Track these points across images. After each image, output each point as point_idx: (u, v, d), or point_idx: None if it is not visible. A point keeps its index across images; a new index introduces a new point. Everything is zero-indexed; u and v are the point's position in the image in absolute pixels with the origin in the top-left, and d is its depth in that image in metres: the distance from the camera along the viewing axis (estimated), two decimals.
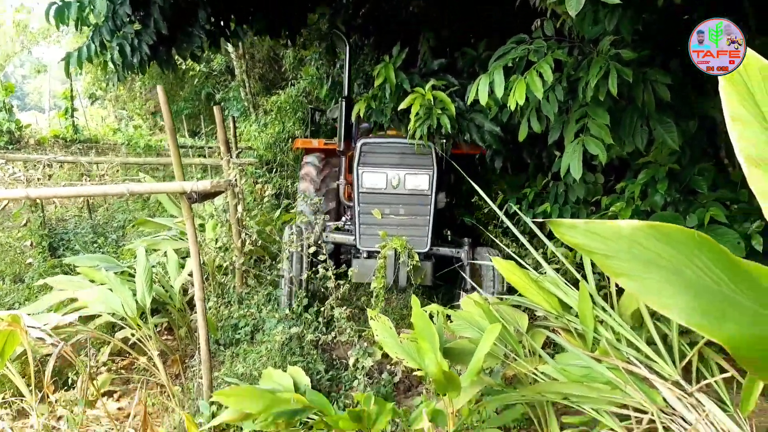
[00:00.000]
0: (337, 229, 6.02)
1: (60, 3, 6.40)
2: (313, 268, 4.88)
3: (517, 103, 3.76)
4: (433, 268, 5.43)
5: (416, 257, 5.11)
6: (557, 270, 4.09)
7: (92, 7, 6.26)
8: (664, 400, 3.09)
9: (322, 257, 4.74)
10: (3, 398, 3.48)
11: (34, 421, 3.18)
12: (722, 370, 3.22)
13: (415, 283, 5.20)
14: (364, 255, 5.57)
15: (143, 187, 3.58)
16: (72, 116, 15.73)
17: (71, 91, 16.08)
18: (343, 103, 5.99)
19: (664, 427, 3.00)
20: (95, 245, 7.52)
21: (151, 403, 3.95)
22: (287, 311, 4.82)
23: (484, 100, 3.97)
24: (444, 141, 5.40)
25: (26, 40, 24.75)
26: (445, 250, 5.51)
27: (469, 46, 5.92)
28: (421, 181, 5.40)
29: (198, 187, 3.20)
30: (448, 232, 5.82)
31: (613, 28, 3.54)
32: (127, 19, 6.43)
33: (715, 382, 3.12)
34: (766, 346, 1.38)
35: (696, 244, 1.39)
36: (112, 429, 3.54)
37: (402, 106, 5.15)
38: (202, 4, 6.31)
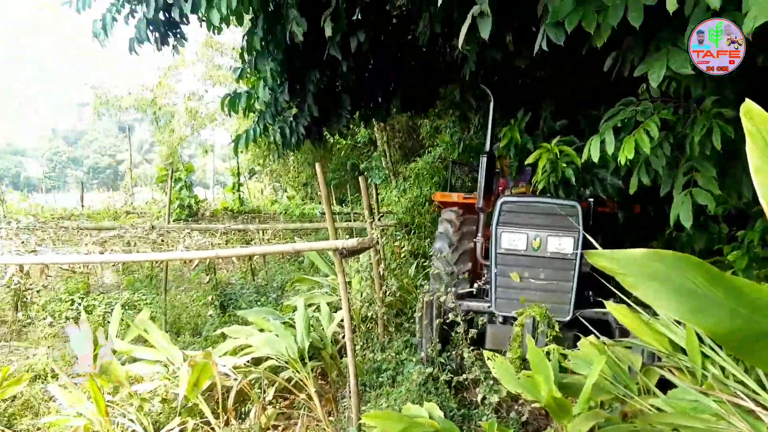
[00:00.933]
0: (471, 295, 5.82)
1: (232, 95, 7.73)
2: (447, 336, 4.93)
3: (627, 159, 4.15)
4: (575, 338, 4.97)
5: (557, 326, 4.80)
6: None
7: (257, 96, 7.47)
8: None
9: (458, 329, 4.81)
10: (195, 424, 4.29)
11: None
12: None
13: None
14: (500, 320, 5.34)
15: (305, 246, 4.35)
16: (239, 190, 17.77)
17: (238, 168, 18.18)
18: (485, 158, 5.86)
19: None
20: (258, 303, 8.54)
21: None
22: (422, 354, 5.15)
23: (596, 157, 4.39)
24: (592, 200, 5.43)
25: (196, 124, 28.04)
26: (589, 313, 5.06)
27: (589, 109, 6.34)
28: (565, 243, 5.13)
29: (347, 245, 3.91)
30: (591, 293, 5.43)
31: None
32: (286, 105, 7.57)
33: None
34: (740, 335, 1.84)
35: (687, 263, 1.86)
36: None
37: (529, 160, 5.44)
38: (346, 90, 7.27)
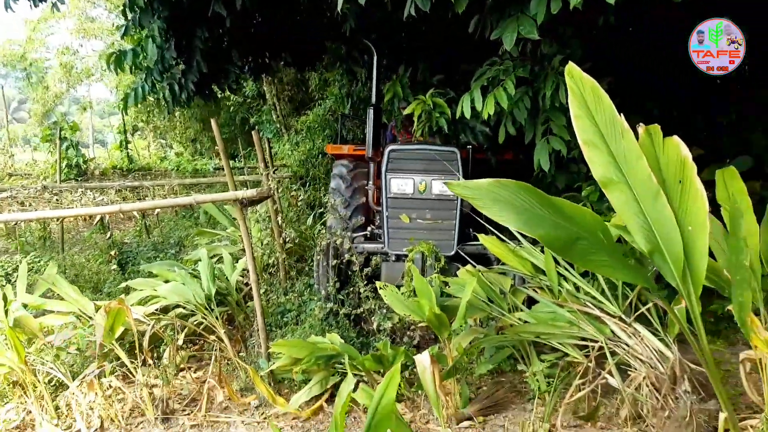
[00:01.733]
0: (366, 238, 6.22)
1: (117, 52, 7.65)
2: (345, 277, 5.38)
3: (490, 113, 4.76)
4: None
5: (443, 260, 5.33)
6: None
7: (144, 54, 7.46)
8: (612, 331, 4.02)
9: (354, 267, 5.26)
10: (113, 367, 4.56)
11: (140, 378, 4.27)
12: (657, 307, 4.12)
13: None
14: (393, 258, 5.79)
15: (206, 197, 4.65)
16: (126, 148, 17.27)
17: (124, 125, 17.62)
18: (372, 110, 6.19)
19: (611, 351, 3.94)
20: (158, 259, 8.62)
21: (222, 371, 5.02)
22: (322, 292, 5.57)
23: (468, 113, 4.98)
24: (470, 147, 5.94)
25: (71, 80, 26.53)
26: (471, 248, 5.61)
27: (466, 63, 6.91)
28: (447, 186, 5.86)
29: (247, 195, 4.27)
30: (471, 231, 5.85)
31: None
32: (173, 62, 7.61)
33: (650, 316, 4.04)
34: (561, 240, 2.50)
35: (524, 188, 2.48)
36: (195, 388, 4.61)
37: (407, 111, 6.00)
38: (234, 46, 7.41)
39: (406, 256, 5.41)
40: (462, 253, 5.57)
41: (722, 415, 2.88)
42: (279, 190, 6.79)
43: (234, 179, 5.34)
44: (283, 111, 17.57)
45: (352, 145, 7.43)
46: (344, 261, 5.49)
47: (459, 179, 5.51)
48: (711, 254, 3.51)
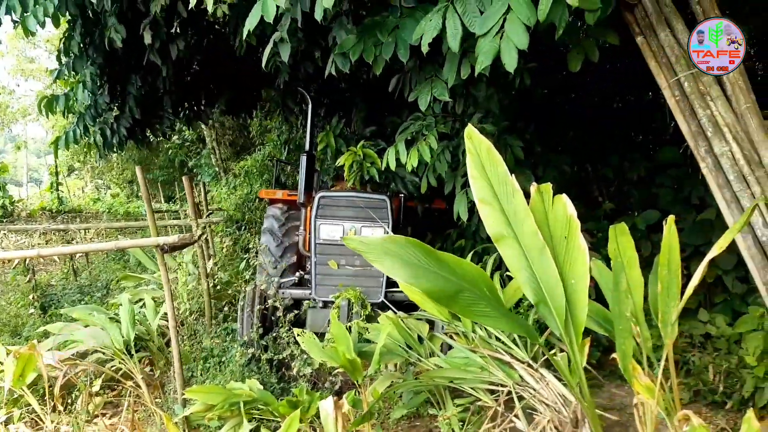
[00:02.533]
0: (295, 284, 6.18)
1: (49, 96, 7.62)
2: (270, 323, 5.38)
3: (413, 166, 4.97)
4: None
5: (368, 307, 5.36)
6: None
7: (75, 98, 7.46)
8: (520, 376, 4.19)
9: (278, 313, 5.27)
10: (21, 414, 4.44)
11: (49, 425, 4.18)
12: (562, 352, 4.32)
13: None
14: (320, 305, 5.76)
15: (128, 243, 4.65)
16: (57, 189, 16.90)
17: (56, 167, 17.28)
18: (305, 157, 6.19)
19: (518, 396, 4.10)
20: (83, 302, 8.45)
21: (137, 417, 4.94)
22: (243, 338, 5.49)
23: (393, 164, 5.19)
24: (402, 195, 6.09)
25: (6, 119, 25.91)
26: (399, 296, 5.58)
27: (396, 115, 7.18)
28: (377, 233, 5.62)
29: (168, 241, 4.32)
30: None
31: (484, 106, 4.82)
32: (106, 107, 7.62)
33: (555, 360, 4.23)
34: (442, 292, 2.64)
35: (412, 243, 2.64)
36: None
37: (339, 162, 6.16)
38: (168, 93, 7.49)
39: (333, 302, 5.43)
40: (386, 302, 5.61)
41: None
42: (210, 236, 6.78)
43: (163, 223, 5.37)
44: (224, 155, 17.59)
45: (286, 190, 7.42)
46: (268, 307, 5.52)
47: (389, 227, 5.63)
48: (606, 304, 3.76)
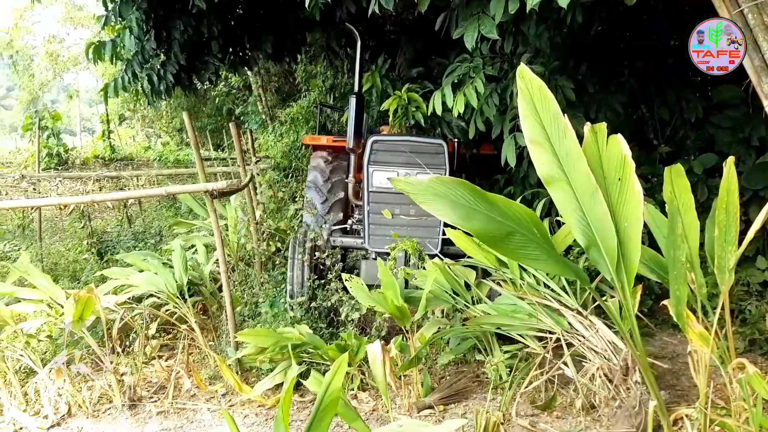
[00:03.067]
0: (345, 232, 6.03)
1: (97, 44, 7.67)
2: (319, 272, 5.23)
3: (466, 107, 4.84)
4: None
5: (426, 259, 5.06)
6: None
7: (123, 45, 7.49)
8: (569, 323, 4.15)
9: (327, 262, 5.14)
10: (81, 355, 4.63)
11: (108, 365, 4.34)
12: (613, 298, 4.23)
13: None
14: (373, 256, 5.54)
15: (177, 189, 4.73)
16: (109, 138, 17.25)
17: (107, 115, 17.58)
18: (354, 98, 5.78)
19: (567, 343, 4.06)
20: (137, 249, 8.65)
21: (192, 359, 5.10)
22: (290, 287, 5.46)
23: (439, 109, 5.07)
24: (457, 140, 5.80)
25: (58, 68, 26.41)
26: (455, 249, 5.20)
27: (443, 56, 6.98)
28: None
29: (217, 186, 4.36)
30: None
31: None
32: (153, 53, 7.63)
33: (606, 306, 4.16)
34: (492, 234, 2.61)
35: (460, 185, 2.56)
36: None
37: (383, 107, 5.97)
38: (214, 37, 7.45)
39: (388, 254, 5.20)
40: (440, 256, 5.31)
41: (652, 404, 3.01)
42: (260, 182, 6.81)
43: (212, 170, 5.41)
44: (270, 102, 17.56)
45: (332, 135, 7.21)
46: (318, 258, 5.45)
47: (446, 173, 5.31)
48: (659, 252, 3.64)
